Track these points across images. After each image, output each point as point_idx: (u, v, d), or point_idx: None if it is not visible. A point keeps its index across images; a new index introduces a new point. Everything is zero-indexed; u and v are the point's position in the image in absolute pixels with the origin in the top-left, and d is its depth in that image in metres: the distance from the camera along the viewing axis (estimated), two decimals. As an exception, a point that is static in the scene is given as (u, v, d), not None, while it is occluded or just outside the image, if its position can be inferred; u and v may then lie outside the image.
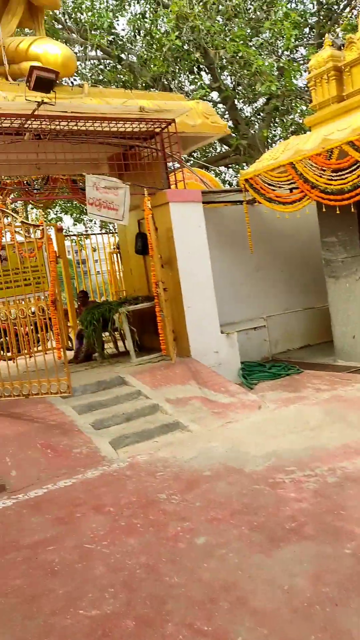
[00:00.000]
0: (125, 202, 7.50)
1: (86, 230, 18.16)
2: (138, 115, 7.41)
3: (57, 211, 18.18)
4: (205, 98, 12.93)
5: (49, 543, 4.08)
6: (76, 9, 13.39)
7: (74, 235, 13.07)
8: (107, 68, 14.89)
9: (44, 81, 6.41)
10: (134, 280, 9.55)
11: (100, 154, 7.95)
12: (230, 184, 17.71)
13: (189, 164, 14.03)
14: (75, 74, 14.04)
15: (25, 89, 6.66)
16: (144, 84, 13.25)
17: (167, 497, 4.61)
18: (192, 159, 15.87)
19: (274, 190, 8.15)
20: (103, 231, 14.79)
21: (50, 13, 12.79)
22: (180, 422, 6.45)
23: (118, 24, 14.33)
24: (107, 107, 7.25)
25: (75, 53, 13.92)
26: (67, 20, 13.71)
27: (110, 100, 7.94)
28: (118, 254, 11.13)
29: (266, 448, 5.42)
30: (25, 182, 9.68)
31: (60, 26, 13.76)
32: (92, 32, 12.80)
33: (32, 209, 15.95)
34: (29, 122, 6.75)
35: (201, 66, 14.02)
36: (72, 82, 9.50)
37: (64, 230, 18.12)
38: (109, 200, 7.40)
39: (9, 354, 7.68)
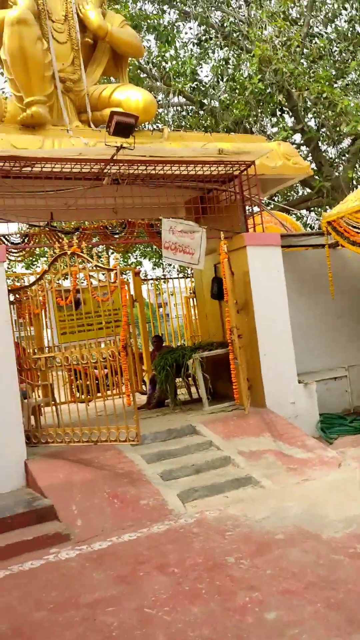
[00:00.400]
0: (201, 245, 7.40)
1: (164, 275, 18.36)
2: (217, 158, 7.37)
3: (137, 255, 18.56)
4: (287, 140, 12.84)
5: (109, 603, 3.84)
6: (160, 57, 13.90)
7: (153, 279, 13.19)
8: (190, 114, 15.26)
9: (124, 126, 6.53)
10: (209, 325, 9.36)
11: (178, 197, 7.97)
12: (312, 228, 17.34)
13: (269, 207, 13.90)
14: (158, 121, 14.50)
15: (105, 135, 6.82)
16: (225, 128, 13.40)
17: (235, 561, 4.27)
18: (272, 202, 15.74)
19: (358, 233, 7.75)
20: (181, 275, 14.85)
21: (135, 62, 13.36)
22: (253, 477, 6.06)
23: (201, 71, 14.72)
24: (185, 150, 7.27)
25: (159, 100, 14.42)
26: (151, 69, 14.25)
27: (189, 143, 7.98)
28: (194, 299, 11.05)
29: (346, 512, 4.94)
30: (104, 226, 9.90)
31: (144, 74, 14.31)
32: (175, 79, 13.19)
33: (112, 253, 16.37)
34: (108, 167, 6.87)
35: (284, 108, 14.04)
36: (153, 127, 9.73)
37: (143, 274, 18.52)
38: (184, 244, 7.33)
39: (84, 397, 7.70)
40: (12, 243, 8.96)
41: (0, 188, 6.49)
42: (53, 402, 7.32)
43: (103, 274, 6.10)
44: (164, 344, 10.19)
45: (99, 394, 7.79)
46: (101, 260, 6.28)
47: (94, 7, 8.39)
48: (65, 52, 8.26)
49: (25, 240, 9.15)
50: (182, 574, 4.16)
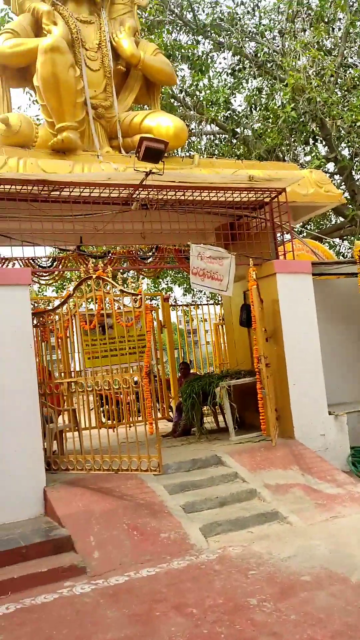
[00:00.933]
0: (230, 272, 7.28)
1: (194, 301, 18.29)
2: (247, 185, 7.29)
3: (167, 281, 18.56)
4: (320, 169, 12.72)
5: (122, 645, 3.64)
6: (193, 86, 14.05)
7: (183, 305, 13.11)
8: (222, 142, 15.33)
9: (153, 151, 6.53)
10: (238, 353, 9.17)
11: (208, 224, 7.90)
12: (344, 256, 17.06)
13: (301, 235, 13.74)
14: (191, 149, 14.60)
15: (134, 160, 6.82)
16: (258, 157, 13.37)
17: (257, 604, 4.03)
18: (305, 230, 15.58)
19: (391, 261, 7.53)
20: (211, 302, 14.74)
21: (168, 90, 13.52)
22: (279, 512, 5.80)
23: (235, 100, 14.82)
24: (215, 176, 7.22)
25: (192, 129, 14.53)
26: (185, 97, 14.40)
27: (220, 170, 7.93)
28: (223, 326, 10.90)
29: (378, 554, 4.65)
30: (134, 251, 9.89)
31: (177, 103, 14.47)
32: (209, 107, 13.28)
33: (142, 278, 16.40)
34: (136, 192, 6.86)
35: (317, 137, 13.97)
36: (184, 154, 9.76)
37: (172, 300, 18.48)
38: (213, 270, 7.22)
39: (110, 422, 7.60)
40: (40, 266, 9.01)
41: (30, 212, 6.53)
42: (76, 428, 7.20)
43: (128, 299, 6.02)
44: (191, 371, 10.02)
45: (125, 420, 7.62)
46: (127, 285, 6.22)
47: (127, 36, 8.51)
48: (98, 80, 8.39)
49: (55, 264, 9.20)
50: (200, 616, 3.95)
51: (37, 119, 11.12)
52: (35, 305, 9.39)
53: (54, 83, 7.44)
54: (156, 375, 11.15)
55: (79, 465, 6.22)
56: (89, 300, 6.25)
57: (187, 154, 13.59)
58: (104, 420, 10.29)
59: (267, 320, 7.49)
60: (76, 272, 12.40)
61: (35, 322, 6.43)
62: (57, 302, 6.74)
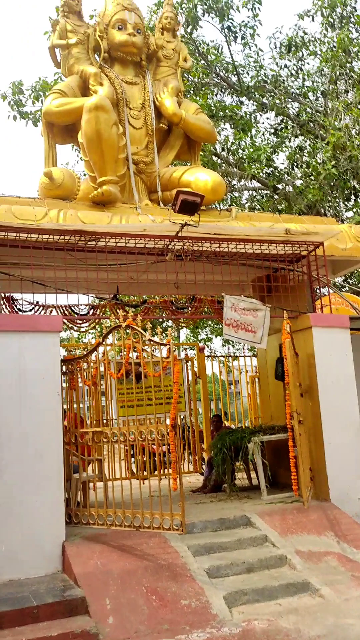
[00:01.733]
0: (264, 324, 7.14)
1: (233, 352, 18.07)
2: (284, 238, 7.24)
3: (207, 332, 18.50)
4: (361, 224, 12.63)
5: None
6: (236, 144, 14.37)
7: (220, 356, 12.94)
8: (264, 198, 15.50)
9: (189, 204, 6.59)
10: (272, 407, 8.89)
11: (242, 275, 7.83)
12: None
13: (343, 289, 13.51)
14: (233, 204, 14.80)
15: (171, 212, 6.90)
16: (298, 212, 13.42)
17: None
18: (347, 284, 15.33)
19: None
20: (250, 354, 14.52)
21: (210, 148, 13.86)
22: (311, 583, 5.39)
23: (277, 158, 15.03)
24: (251, 229, 7.21)
25: (233, 185, 14.78)
26: (227, 155, 14.73)
27: (256, 223, 7.94)
28: (259, 378, 10.64)
29: None
30: (170, 301, 9.89)
31: (219, 160, 14.80)
32: (250, 164, 13.51)
33: (180, 328, 16.38)
34: (172, 243, 6.91)
35: (358, 193, 13.94)
36: (221, 208, 9.83)
37: (211, 351, 18.30)
38: (247, 322, 7.10)
39: (140, 474, 7.39)
40: (77, 314, 9.10)
41: (67, 261, 6.65)
42: (102, 479, 7.01)
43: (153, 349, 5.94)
44: (223, 424, 9.74)
45: (156, 472, 7.41)
46: (166, 334, 6.15)
47: (170, 96, 8.83)
48: (140, 137, 8.67)
49: (91, 312, 9.28)
50: None
51: (84, 175, 11.56)
52: (71, 352, 9.44)
53: (97, 139, 7.71)
54: (189, 427, 10.92)
55: (100, 520, 6.00)
56: (120, 348, 6.21)
57: (227, 207, 13.75)
58: (134, 470, 10.06)
59: (302, 375, 7.25)
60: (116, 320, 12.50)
61: (64, 369, 6.41)
62: (100, 350, 6.65)
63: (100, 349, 6.29)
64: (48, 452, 5.75)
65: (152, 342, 5.78)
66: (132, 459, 10.63)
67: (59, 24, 8.75)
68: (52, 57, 8.99)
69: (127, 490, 6.06)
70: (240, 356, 12.46)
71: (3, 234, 6.28)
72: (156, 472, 8.00)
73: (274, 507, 6.86)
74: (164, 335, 6.17)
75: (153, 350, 5.86)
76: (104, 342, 6.16)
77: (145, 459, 9.51)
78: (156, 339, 5.92)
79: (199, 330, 17.87)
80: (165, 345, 5.71)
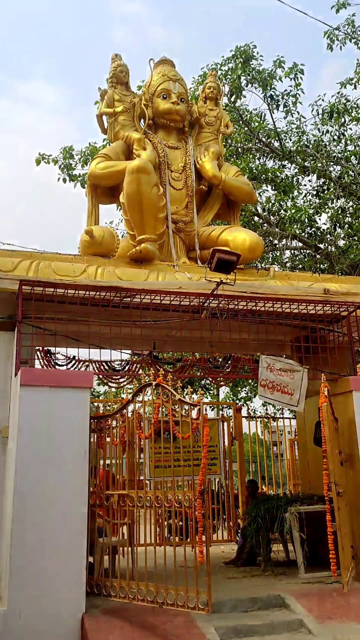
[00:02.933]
0: (301, 386, 6.86)
1: (274, 413, 17.52)
2: (322, 297, 7.07)
3: (246, 391, 18.09)
4: None
5: None
6: (277, 205, 14.47)
7: (258, 417, 12.51)
8: (305, 258, 15.43)
9: (225, 263, 6.55)
10: (311, 474, 8.40)
11: (280, 335, 7.64)
12: None
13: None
14: (275, 263, 14.77)
15: (206, 270, 6.87)
16: (340, 272, 13.23)
17: None
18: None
19: None
20: (291, 415, 14.03)
21: (251, 208, 13.99)
22: None
23: (319, 219, 15.04)
24: (288, 288, 7.09)
25: (274, 244, 14.80)
26: (268, 216, 14.83)
27: (295, 282, 7.81)
28: (297, 442, 10.18)
29: None
30: (207, 359, 9.73)
31: (260, 220, 14.90)
32: (291, 224, 13.53)
33: (219, 387, 16.06)
34: (207, 300, 6.83)
35: None
36: (260, 266, 9.78)
37: (251, 411, 17.78)
38: (283, 383, 6.84)
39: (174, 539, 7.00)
40: (114, 370, 9.03)
41: (102, 316, 6.65)
42: (129, 544, 6.67)
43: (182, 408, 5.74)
44: (258, 491, 9.25)
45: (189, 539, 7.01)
46: (205, 393, 5.96)
47: (211, 159, 9.03)
48: (180, 198, 8.83)
49: (127, 368, 9.20)
50: None
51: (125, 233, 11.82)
52: (107, 407, 9.29)
53: (138, 199, 7.88)
54: (224, 491, 10.47)
55: (123, 592, 5.63)
56: (151, 406, 6.04)
57: (265, 266, 13.72)
58: (167, 536, 9.62)
59: (342, 442, 6.85)
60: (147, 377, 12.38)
61: (93, 426, 6.27)
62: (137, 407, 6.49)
63: (131, 407, 6.13)
64: (72, 514, 5.52)
65: (181, 402, 5.59)
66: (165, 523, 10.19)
67: (107, 93, 9.22)
68: (99, 124, 9.42)
69: (157, 559, 5.65)
70: (280, 417, 12.02)
71: (41, 289, 6.36)
72: (189, 539, 7.63)
73: (311, 588, 6.33)
74: (203, 393, 5.98)
75: (182, 410, 5.65)
76: (133, 400, 6.01)
77: (179, 523, 9.10)
78: (188, 399, 5.73)
79: (239, 389, 17.50)
80: (195, 405, 5.50)
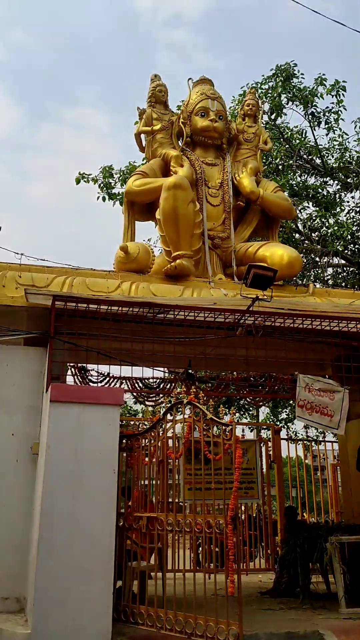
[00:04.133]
0: (342, 408, 6.54)
1: (316, 436, 16.95)
2: (364, 315, 6.75)
3: (287, 412, 17.58)
4: None
5: None
6: (319, 222, 14.15)
7: (298, 440, 12.08)
8: (348, 275, 15.01)
9: (261, 278, 6.37)
10: (354, 502, 7.98)
11: (319, 353, 7.36)
12: None
13: None
14: (317, 280, 14.42)
15: (242, 286, 6.69)
16: (386, 290, 12.76)
17: None
18: None
19: None
20: (335, 439, 13.52)
21: (291, 225, 13.72)
22: None
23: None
24: (328, 305, 6.82)
25: (316, 262, 14.46)
26: (309, 232, 14.52)
27: (335, 299, 7.53)
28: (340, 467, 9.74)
29: None
30: (244, 377, 9.45)
31: (301, 237, 14.60)
32: (333, 241, 13.20)
33: (258, 407, 15.65)
34: (243, 317, 6.63)
35: None
36: (297, 283, 9.54)
37: (292, 434, 17.22)
38: (322, 404, 6.54)
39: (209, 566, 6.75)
40: (148, 387, 8.87)
41: (136, 333, 6.55)
42: (159, 570, 6.42)
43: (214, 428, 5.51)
44: (297, 518, 8.83)
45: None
46: (243, 413, 5.72)
47: (249, 175, 8.91)
48: (217, 214, 8.73)
49: (162, 386, 9.02)
50: None
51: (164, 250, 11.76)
52: (145, 425, 9.12)
53: (174, 216, 7.83)
54: (262, 517, 10.10)
55: (150, 621, 5.38)
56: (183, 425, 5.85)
57: (304, 283, 13.38)
58: (202, 562, 9.30)
59: (386, 468, 6.46)
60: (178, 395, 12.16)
61: (123, 444, 6.11)
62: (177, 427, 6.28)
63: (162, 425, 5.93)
64: (100, 536, 5.34)
65: (213, 421, 5.37)
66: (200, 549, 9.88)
67: (145, 112, 9.27)
68: (137, 143, 9.47)
69: (189, 586, 5.37)
70: (322, 441, 11.57)
71: (74, 305, 6.31)
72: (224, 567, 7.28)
73: (354, 624, 5.92)
74: (242, 413, 5.74)
75: (213, 430, 5.43)
76: (164, 419, 5.83)
77: (216, 549, 8.75)
78: (227, 419, 5.48)
79: (279, 410, 17.01)
80: (226, 425, 5.27)
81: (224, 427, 5.28)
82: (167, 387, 8.96)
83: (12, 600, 5.77)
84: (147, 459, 6.02)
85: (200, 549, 9.67)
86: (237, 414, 16.36)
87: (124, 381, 8.48)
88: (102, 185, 14.00)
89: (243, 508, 10.36)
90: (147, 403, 8.97)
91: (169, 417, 5.86)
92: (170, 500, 6.39)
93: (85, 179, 13.80)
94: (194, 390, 5.72)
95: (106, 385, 7.61)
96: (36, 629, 4.97)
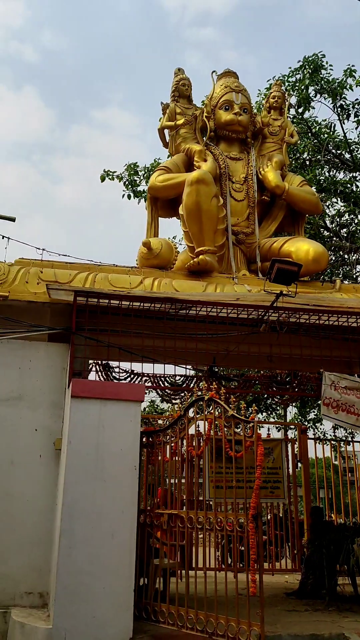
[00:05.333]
0: (370, 406, 6.36)
1: (345, 436, 16.63)
2: (393, 311, 6.56)
3: (315, 412, 17.31)
4: None
5: None
6: (348, 218, 13.87)
7: (326, 439, 11.85)
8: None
9: (286, 273, 6.23)
10: (382, 503, 7.78)
11: (347, 350, 7.16)
12: None
13: None
14: (347, 278, 14.13)
15: (265, 282, 6.58)
16: None
17: None
18: None
19: None
20: (363, 439, 13.19)
21: (319, 222, 13.48)
22: None
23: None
24: (355, 300, 6.64)
25: (345, 258, 14.17)
26: (337, 228, 14.23)
27: (362, 295, 7.33)
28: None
29: None
30: (270, 375, 9.30)
31: (329, 233, 14.33)
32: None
33: (286, 407, 15.43)
34: (267, 313, 6.51)
35: None
36: (330, 281, 9.31)
37: (320, 433, 16.92)
38: (349, 403, 6.38)
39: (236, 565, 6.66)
40: (172, 385, 8.82)
41: (157, 329, 6.50)
42: (183, 567, 6.36)
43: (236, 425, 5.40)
44: (323, 519, 8.65)
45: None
46: (271, 412, 5.63)
47: (274, 169, 8.75)
48: (242, 209, 8.61)
49: (185, 384, 8.95)
50: None
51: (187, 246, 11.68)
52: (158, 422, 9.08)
53: (197, 211, 7.74)
54: (287, 517, 9.93)
55: (171, 619, 5.33)
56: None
57: (331, 279, 13.12)
58: (229, 560, 9.20)
59: None
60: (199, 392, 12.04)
61: (145, 441, 6.07)
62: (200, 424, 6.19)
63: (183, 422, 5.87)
64: (121, 532, 5.32)
65: (234, 418, 5.27)
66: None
67: (168, 107, 9.19)
68: (161, 138, 9.40)
69: (211, 584, 5.28)
70: (351, 441, 11.30)
71: (95, 300, 6.30)
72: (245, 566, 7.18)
73: (380, 628, 5.75)
74: (269, 413, 5.64)
75: (234, 427, 5.32)
76: (185, 415, 5.76)
77: (241, 548, 8.68)
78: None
79: (307, 409, 16.75)
80: (248, 422, 5.17)
81: (245, 425, 5.18)
82: (191, 384, 8.91)
83: (36, 594, 5.80)
84: (168, 456, 5.95)
85: (219, 547, 9.58)
86: (264, 414, 16.19)
87: (147, 378, 8.48)
88: (127, 183, 13.99)
89: (269, 507, 10.23)
90: (173, 401, 8.93)
91: (190, 414, 5.80)
92: (191, 497, 6.32)
93: (110, 177, 13.79)
94: (215, 386, 5.63)
95: (127, 382, 7.58)
96: (57, 624, 4.97)
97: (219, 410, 5.43)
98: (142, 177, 13.97)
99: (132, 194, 13.99)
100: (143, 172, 14.01)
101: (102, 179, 13.73)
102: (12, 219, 7.14)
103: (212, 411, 5.51)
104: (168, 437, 5.90)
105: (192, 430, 6.05)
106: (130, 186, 13.99)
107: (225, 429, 5.35)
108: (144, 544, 5.87)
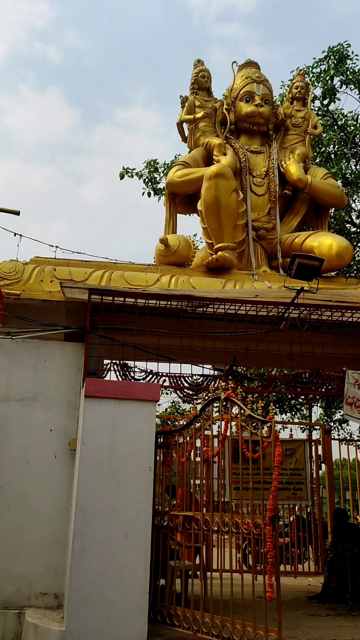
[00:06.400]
0: (394, 406, 6.12)
1: (370, 437, 16.24)
2: None
3: (342, 412, 16.95)
4: None
5: None
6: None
7: (351, 440, 11.56)
8: None
9: (307, 269, 6.04)
10: None
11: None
12: None
13: None
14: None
15: (285, 278, 6.39)
16: None
17: None
18: None
19: None
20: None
21: (344, 217, 13.13)
22: None
23: None
24: (378, 297, 6.38)
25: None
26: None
27: (388, 291, 7.07)
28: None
29: None
30: (293, 374, 9.08)
31: (355, 228, 13.97)
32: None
33: (310, 407, 15.14)
34: (287, 310, 6.32)
35: None
36: (355, 276, 9.01)
37: (346, 434, 16.55)
38: (372, 402, 6.14)
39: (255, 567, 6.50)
40: (190, 384, 8.69)
41: (174, 327, 6.37)
42: (200, 570, 6.24)
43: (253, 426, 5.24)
44: (348, 522, 8.40)
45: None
46: (296, 412, 5.46)
47: (296, 162, 8.54)
48: (263, 204, 8.42)
49: (205, 383, 8.81)
50: None
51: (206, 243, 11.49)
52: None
53: (215, 206, 7.59)
54: (311, 519, 9.72)
55: (187, 623, 5.22)
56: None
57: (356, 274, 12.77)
58: (250, 563, 9.04)
59: None
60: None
61: (160, 441, 5.95)
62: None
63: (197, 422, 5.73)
64: (135, 533, 5.23)
65: (252, 418, 5.11)
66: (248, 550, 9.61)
67: (187, 100, 9.02)
68: (179, 132, 9.24)
69: (228, 587, 5.12)
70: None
71: (110, 299, 6.21)
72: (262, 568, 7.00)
73: None
74: (293, 413, 5.47)
75: (251, 427, 5.17)
76: (201, 415, 5.62)
77: (260, 550, 8.49)
78: (277, 418, 5.23)
79: (333, 410, 16.42)
80: (265, 422, 5.00)
81: (262, 424, 5.02)
82: (210, 384, 8.75)
83: (51, 595, 5.74)
84: (183, 457, 5.83)
85: (247, 550, 9.42)
86: (288, 414, 15.92)
87: (166, 378, 8.35)
88: (146, 180, 13.83)
89: (291, 509, 10.04)
90: (195, 402, 8.78)
91: (206, 414, 5.66)
92: (207, 499, 6.18)
93: (130, 174, 13.64)
94: (232, 385, 5.47)
95: (145, 381, 7.47)
96: (70, 626, 4.91)
97: (236, 410, 5.28)
98: (162, 174, 13.79)
99: (152, 192, 13.83)
100: (163, 168, 13.85)
101: (122, 177, 13.58)
102: (17, 213, 7.10)
103: (228, 411, 5.36)
104: (183, 437, 5.77)
105: (209, 431, 5.90)
106: (150, 183, 13.83)
107: (243, 429, 5.19)
108: (162, 546, 5.76)
